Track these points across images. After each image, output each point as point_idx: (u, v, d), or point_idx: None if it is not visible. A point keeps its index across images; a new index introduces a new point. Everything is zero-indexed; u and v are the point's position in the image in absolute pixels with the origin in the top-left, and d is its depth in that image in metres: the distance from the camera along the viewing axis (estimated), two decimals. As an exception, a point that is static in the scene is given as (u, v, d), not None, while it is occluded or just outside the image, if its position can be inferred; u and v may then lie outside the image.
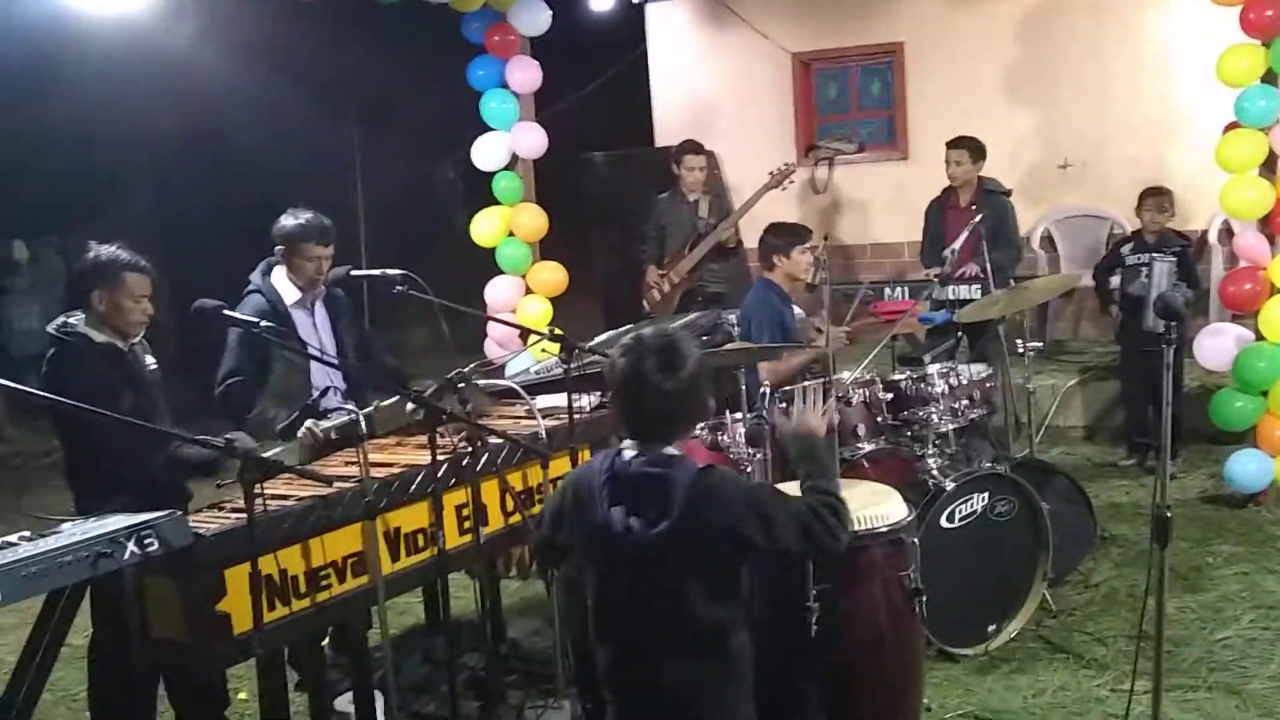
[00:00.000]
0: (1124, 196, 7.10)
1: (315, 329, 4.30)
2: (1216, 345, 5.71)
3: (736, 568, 2.72)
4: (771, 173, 7.14)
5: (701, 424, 4.42)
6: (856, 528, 3.29)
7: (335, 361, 4.14)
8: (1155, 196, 6.29)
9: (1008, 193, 6.87)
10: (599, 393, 4.46)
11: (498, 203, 7.30)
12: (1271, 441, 5.58)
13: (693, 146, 7.25)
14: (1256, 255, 5.60)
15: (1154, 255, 6.21)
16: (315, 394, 4.00)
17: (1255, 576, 4.89)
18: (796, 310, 5.71)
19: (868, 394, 4.64)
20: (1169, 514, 3.20)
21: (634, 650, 2.76)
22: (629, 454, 2.74)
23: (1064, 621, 4.55)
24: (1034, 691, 4.08)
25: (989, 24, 8.45)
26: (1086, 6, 8.15)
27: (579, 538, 2.82)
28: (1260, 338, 5.56)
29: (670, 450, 2.74)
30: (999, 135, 7.64)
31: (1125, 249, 6.43)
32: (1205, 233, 7.68)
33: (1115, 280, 6.41)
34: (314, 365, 4.15)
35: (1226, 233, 7.39)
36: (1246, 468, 5.60)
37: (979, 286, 6.04)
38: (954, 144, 6.83)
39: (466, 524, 3.67)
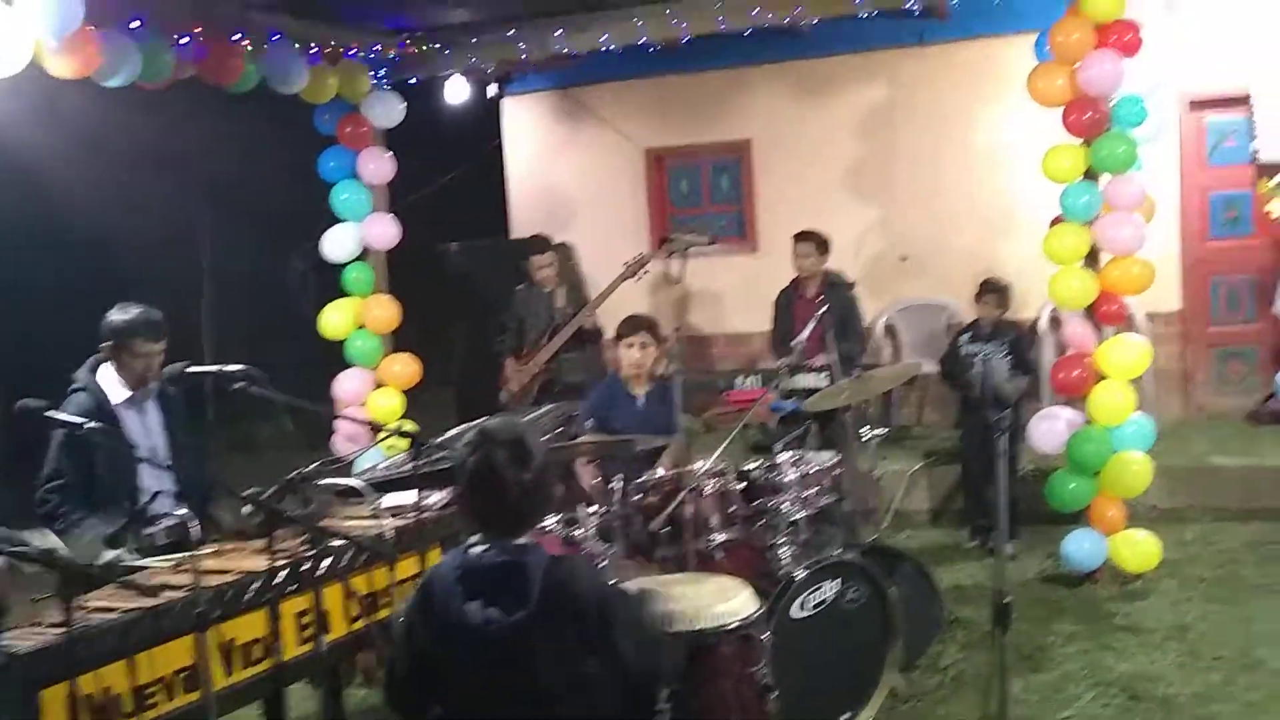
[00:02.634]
0: (961, 287, 7.42)
1: (146, 430, 4.12)
2: (1049, 429, 5.93)
3: (590, 660, 2.69)
4: (626, 263, 7.25)
5: (555, 517, 4.39)
6: (704, 625, 3.29)
7: (166, 464, 3.96)
8: (994, 290, 6.57)
9: (851, 285, 7.12)
10: (450, 488, 4.38)
11: (349, 294, 7.19)
12: (1104, 521, 5.81)
13: (536, 246, 7.35)
14: (1084, 342, 5.86)
15: (989, 344, 6.48)
16: (144, 499, 3.82)
17: (1094, 654, 5.04)
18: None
19: (720, 484, 4.67)
20: (1008, 599, 3.31)
21: None
22: (479, 548, 2.71)
23: (915, 707, 4.60)
24: (888, 780, 4.11)
25: (832, 123, 8.82)
26: (923, 107, 8.58)
27: (434, 641, 2.74)
28: (1090, 421, 5.82)
29: (519, 540, 2.72)
30: (843, 229, 7.96)
31: (963, 338, 6.69)
32: (1036, 321, 8.07)
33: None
34: (145, 468, 3.97)
35: (1056, 321, 7.77)
36: (1081, 547, 5.81)
37: (826, 375, 6.20)
38: (800, 237, 7.08)
39: (308, 632, 3.52)
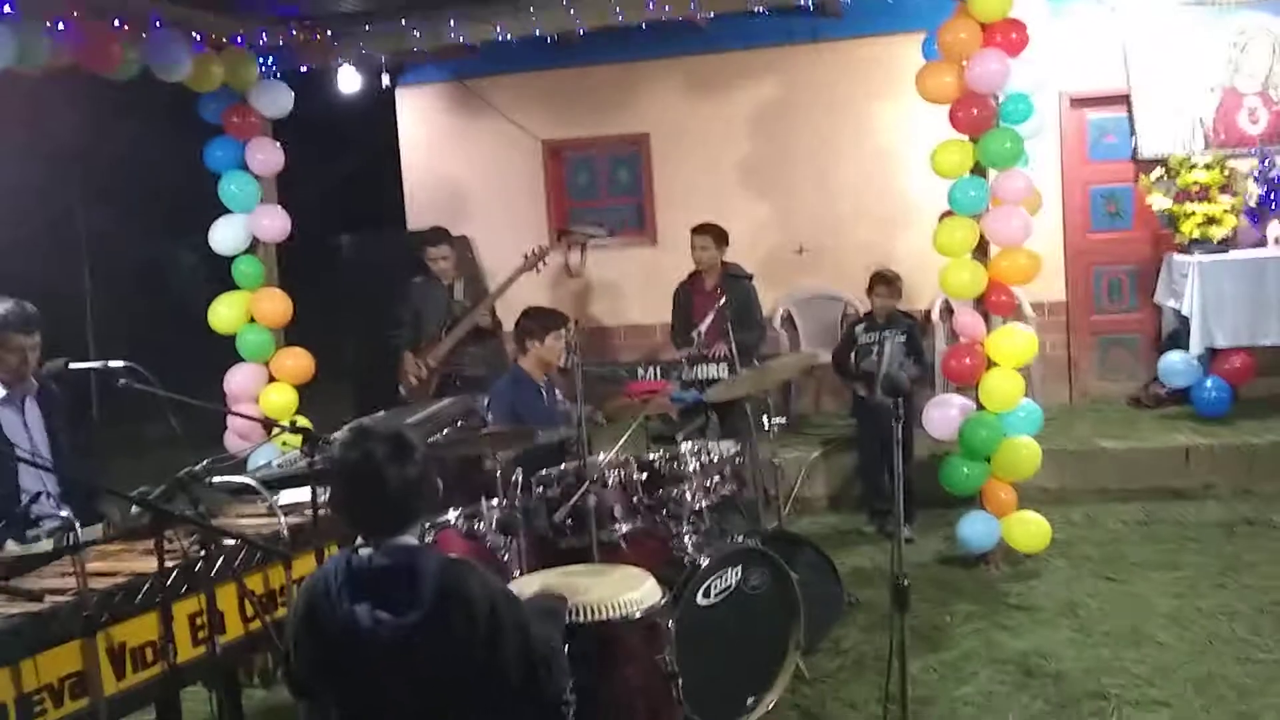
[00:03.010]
0: (856, 278, 7.55)
1: (26, 428, 3.95)
2: (943, 416, 6.06)
3: (487, 664, 2.65)
4: (525, 255, 7.19)
5: (457, 511, 4.34)
6: (609, 615, 3.29)
7: (47, 463, 3.80)
8: (885, 281, 6.71)
9: (749, 276, 7.19)
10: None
11: (238, 287, 6.99)
12: (996, 503, 5.97)
13: (434, 238, 7.23)
14: (974, 331, 6.01)
15: (884, 333, 6.62)
16: (25, 500, 3.66)
17: (990, 633, 5.18)
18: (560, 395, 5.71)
19: (623, 475, 4.67)
20: (906, 582, 3.37)
21: None
22: (365, 550, 2.65)
23: (817, 689, 4.67)
24: (792, 762, 4.16)
25: (729, 117, 8.89)
26: (818, 103, 8.70)
27: (319, 649, 2.67)
28: (981, 408, 5.98)
29: (407, 541, 2.67)
30: (740, 222, 8.02)
31: (859, 328, 6.81)
32: (929, 311, 8.25)
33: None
34: (26, 469, 3.80)
35: (947, 311, 7.96)
36: (976, 529, 5.97)
37: (726, 366, 6.26)
38: (698, 230, 7.12)
39: (201, 634, 3.42)
